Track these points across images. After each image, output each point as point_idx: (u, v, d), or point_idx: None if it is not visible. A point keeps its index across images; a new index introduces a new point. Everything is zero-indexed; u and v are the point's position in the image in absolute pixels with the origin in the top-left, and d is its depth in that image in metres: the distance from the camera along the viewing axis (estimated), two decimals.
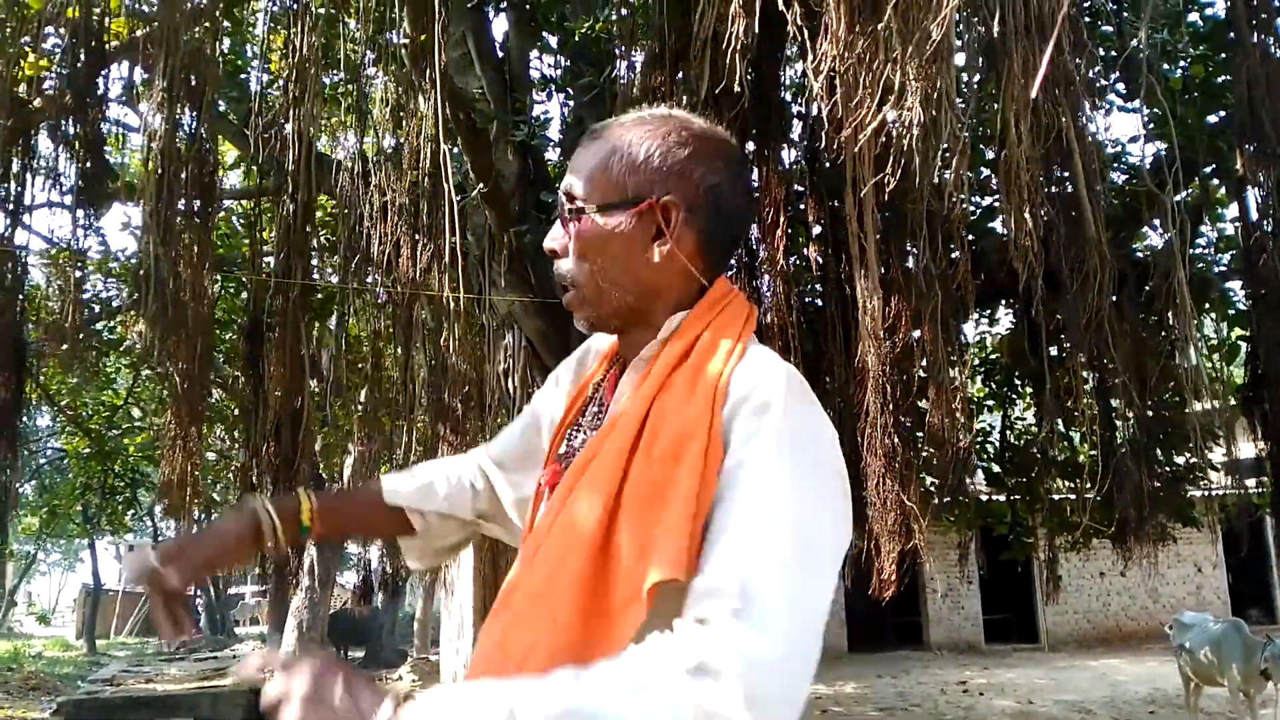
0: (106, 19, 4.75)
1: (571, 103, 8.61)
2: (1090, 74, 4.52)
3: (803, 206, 6.62)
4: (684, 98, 5.64)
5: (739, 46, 4.03)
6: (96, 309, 10.47)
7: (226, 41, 7.73)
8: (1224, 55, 7.00)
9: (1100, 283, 3.67)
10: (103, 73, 4.83)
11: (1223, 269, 8.01)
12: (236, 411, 11.39)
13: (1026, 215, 2.98)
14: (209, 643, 21.95)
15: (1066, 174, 4.40)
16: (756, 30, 4.04)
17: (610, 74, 8.08)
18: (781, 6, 1.63)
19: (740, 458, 1.00)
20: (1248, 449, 7.98)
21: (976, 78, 4.38)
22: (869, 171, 2.25)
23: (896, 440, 4.75)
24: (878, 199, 3.42)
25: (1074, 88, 3.07)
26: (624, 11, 7.80)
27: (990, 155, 7.02)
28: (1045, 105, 2.72)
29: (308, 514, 1.34)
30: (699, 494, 0.98)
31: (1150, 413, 6.93)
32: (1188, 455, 8.30)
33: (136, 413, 15.28)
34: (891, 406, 4.73)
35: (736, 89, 4.96)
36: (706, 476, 0.99)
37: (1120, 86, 6.89)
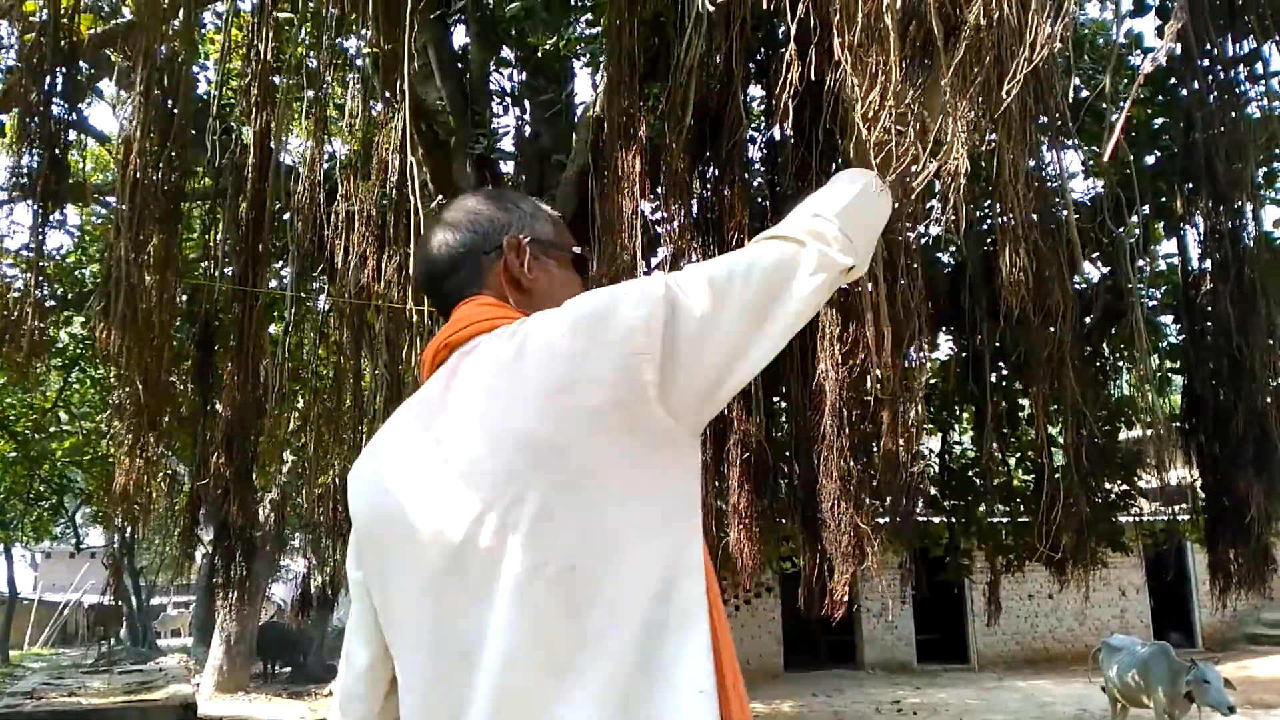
0: (73, 15, 4.66)
1: (528, 117, 8.64)
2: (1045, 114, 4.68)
3: (762, 228, 6.72)
4: (649, 120, 5.71)
5: (710, 72, 4.13)
6: (30, 309, 10.17)
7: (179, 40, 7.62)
8: (1161, 99, 7.29)
9: (1064, 315, 3.81)
10: (62, 70, 4.72)
11: (1154, 303, 8.32)
12: (173, 419, 11.13)
13: (1020, 254, 3.09)
14: (131, 655, 21.32)
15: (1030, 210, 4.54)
16: (729, 56, 4.14)
17: (569, 91, 8.14)
18: (838, 53, 1.69)
19: None
20: (1174, 476, 8.28)
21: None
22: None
23: (851, 463, 4.84)
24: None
25: (1059, 132, 3.20)
26: (585, 30, 7.88)
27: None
28: (1026, 145, 2.83)
29: None
30: None
31: (1083, 440, 7.16)
32: (1119, 482, 8.59)
33: (65, 417, 14.84)
34: (847, 430, 4.82)
35: (702, 112, 5.05)
36: None
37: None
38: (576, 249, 1.46)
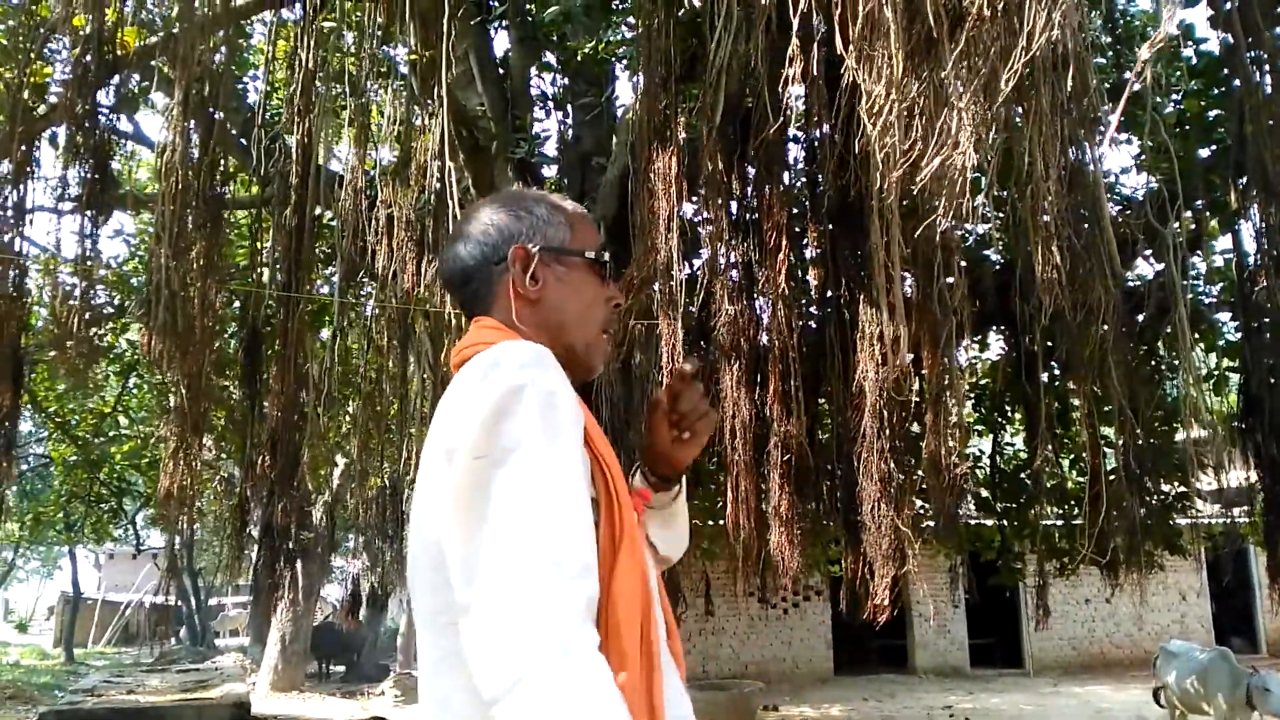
0: (118, 28, 4.77)
1: (570, 121, 8.67)
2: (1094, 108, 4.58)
3: (800, 229, 6.67)
4: (685, 120, 5.70)
5: (748, 72, 4.10)
6: (88, 316, 10.42)
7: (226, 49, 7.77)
8: (1217, 91, 7.10)
9: (1105, 314, 3.72)
10: (110, 81, 4.84)
11: (1213, 300, 8.10)
12: (226, 423, 11.34)
13: (1053, 250, 3.02)
14: (189, 654, 21.75)
15: (1065, 206, 4.44)
16: (767, 56, 4.09)
17: (610, 95, 8.15)
18: (840, 50, 1.67)
19: None
20: (1234, 478, 8.06)
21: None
22: (891, 203, 2.28)
23: (892, 465, 4.78)
24: (898, 231, 3.48)
25: (1090, 123, 3.12)
26: (626, 32, 7.89)
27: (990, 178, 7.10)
28: (1058, 140, 2.76)
29: None
30: None
31: (1140, 441, 7.00)
32: (1176, 484, 8.38)
33: (124, 421, 15.18)
34: (888, 431, 4.76)
35: (740, 114, 5.03)
36: None
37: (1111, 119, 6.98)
38: (591, 253, 1.41)
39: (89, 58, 4.63)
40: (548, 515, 1.07)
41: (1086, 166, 3.61)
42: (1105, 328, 4.02)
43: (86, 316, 9.18)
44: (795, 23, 2.68)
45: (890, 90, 1.44)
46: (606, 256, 1.42)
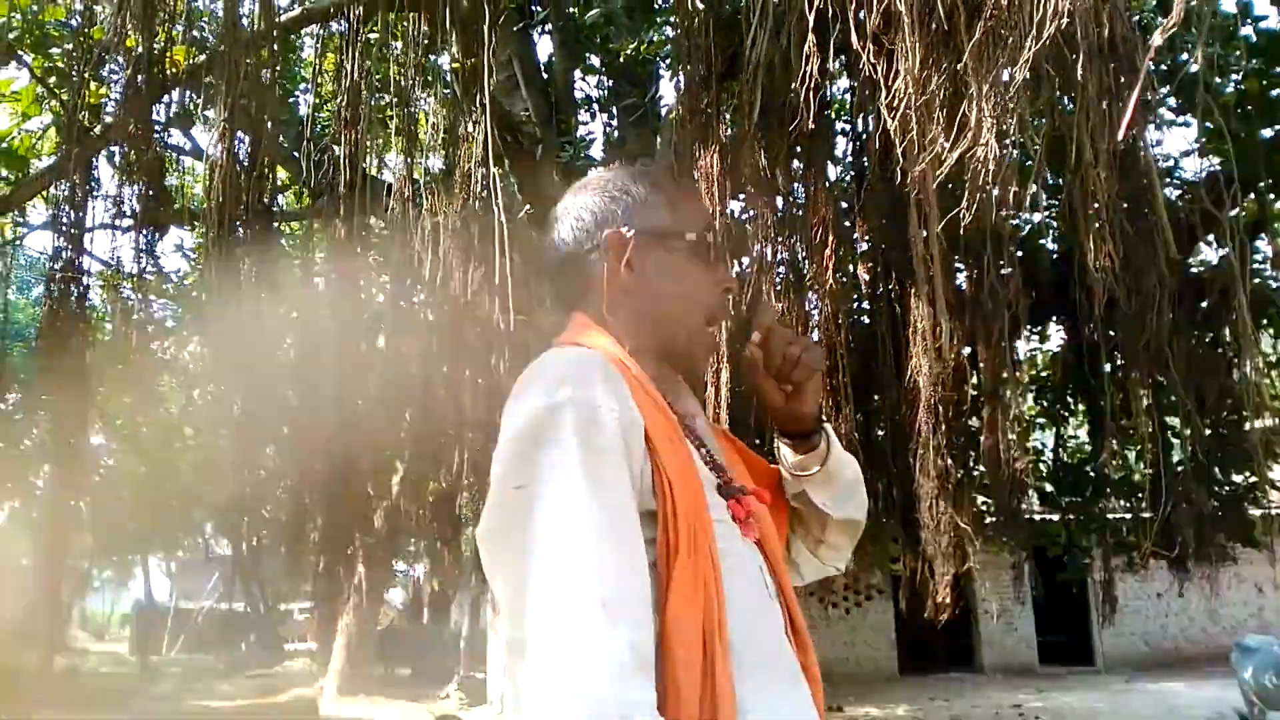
0: (167, 48, 4.88)
1: (615, 123, 8.68)
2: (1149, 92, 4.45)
3: (848, 224, 6.60)
4: (728, 117, 5.66)
5: (792, 68, 4.04)
6: (150, 329, 10.69)
7: (277, 66, 7.91)
8: (1278, 69, 6.87)
9: (1161, 301, 3.60)
10: (162, 99, 4.95)
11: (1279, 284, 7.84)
12: (287, 431, 11.52)
13: (1105, 238, 2.92)
14: (258, 659, 22.18)
15: (1120, 192, 4.32)
16: (809, 55, 4.04)
17: (654, 95, 8.14)
18: (855, 44, 1.63)
19: None
20: None
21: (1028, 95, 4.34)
22: (930, 195, 2.22)
23: (949, 461, 4.69)
24: (937, 222, 3.40)
25: (1144, 108, 3.03)
26: (669, 33, 7.87)
27: (1035, 166, 6.95)
28: (1110, 126, 2.67)
29: None
30: None
31: (1208, 431, 6.79)
32: (1247, 474, 8.12)
33: (189, 431, 15.54)
34: (944, 427, 4.67)
35: (785, 111, 4.97)
36: None
37: (1170, 101, 6.78)
38: (694, 234, 1.29)
39: (140, 77, 4.73)
40: (592, 551, 0.98)
41: (1139, 150, 3.50)
42: (1164, 315, 3.90)
43: (149, 330, 9.42)
44: (829, 14, 2.63)
45: (909, 83, 1.40)
46: (711, 237, 1.31)
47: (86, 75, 5.30)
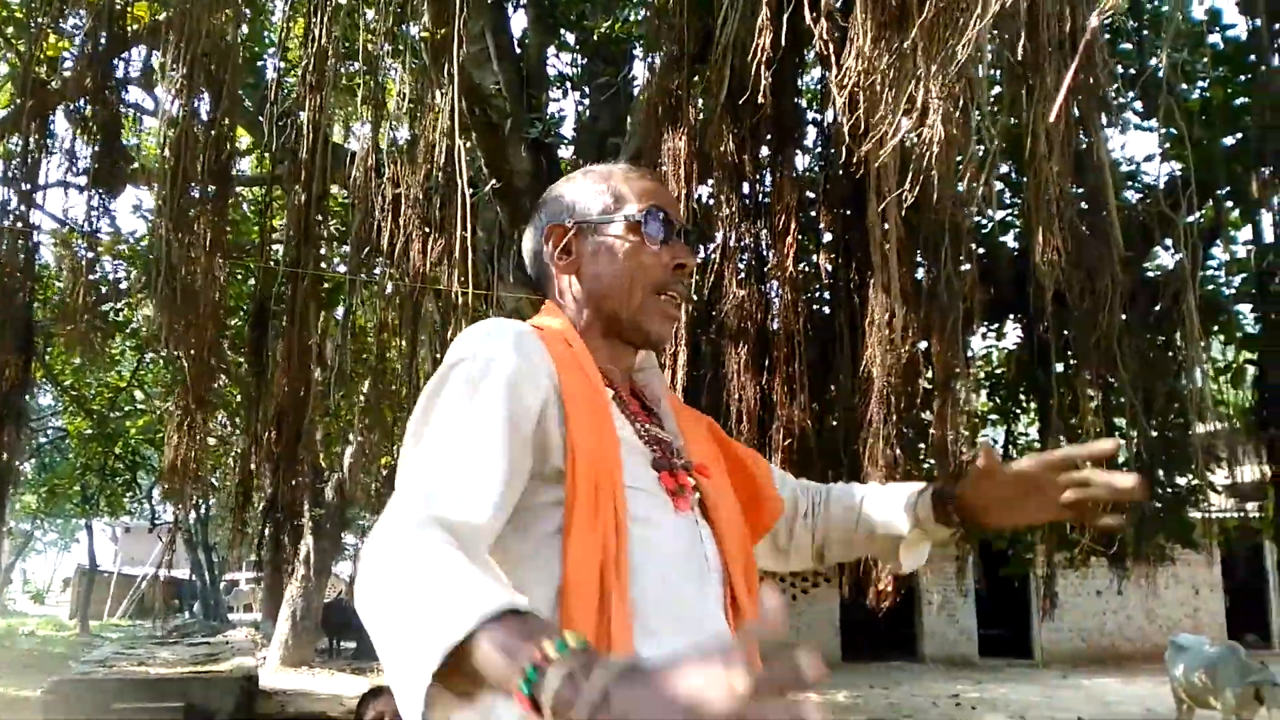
0: (128, 3, 4.76)
1: (587, 101, 8.62)
2: (1110, 92, 4.51)
3: (814, 213, 6.63)
4: (699, 101, 5.65)
5: (760, 54, 4.04)
6: (104, 290, 10.48)
7: (244, 28, 7.75)
8: (1244, 78, 6.99)
9: (1112, 301, 3.66)
10: (122, 56, 4.83)
11: (1233, 291, 8.00)
12: (239, 398, 11.40)
13: (1054, 232, 2.96)
14: (202, 628, 21.97)
15: (1080, 190, 4.39)
16: (780, 39, 4.04)
17: (627, 74, 8.10)
18: (809, 21, 1.63)
19: None
20: (1249, 472, 7.97)
21: (995, 91, 4.38)
22: (891, 184, 2.23)
23: (898, 451, 4.74)
24: (896, 210, 3.42)
25: (1097, 105, 3.06)
26: (643, 12, 7.83)
27: (1005, 169, 7.02)
28: (1067, 122, 2.71)
29: None
30: None
31: (1154, 433, 6.92)
32: (1190, 477, 8.29)
33: (140, 395, 15.28)
34: (895, 417, 4.72)
35: (753, 95, 4.97)
36: None
37: (1138, 105, 6.88)
38: (628, 215, 1.35)
39: (102, 32, 4.61)
40: (442, 462, 1.06)
41: (1095, 150, 3.55)
42: (1116, 315, 3.97)
43: (103, 291, 9.23)
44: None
45: (860, 61, 1.41)
46: (645, 216, 1.35)
47: (45, 27, 5.16)
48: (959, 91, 1.73)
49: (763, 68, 3.16)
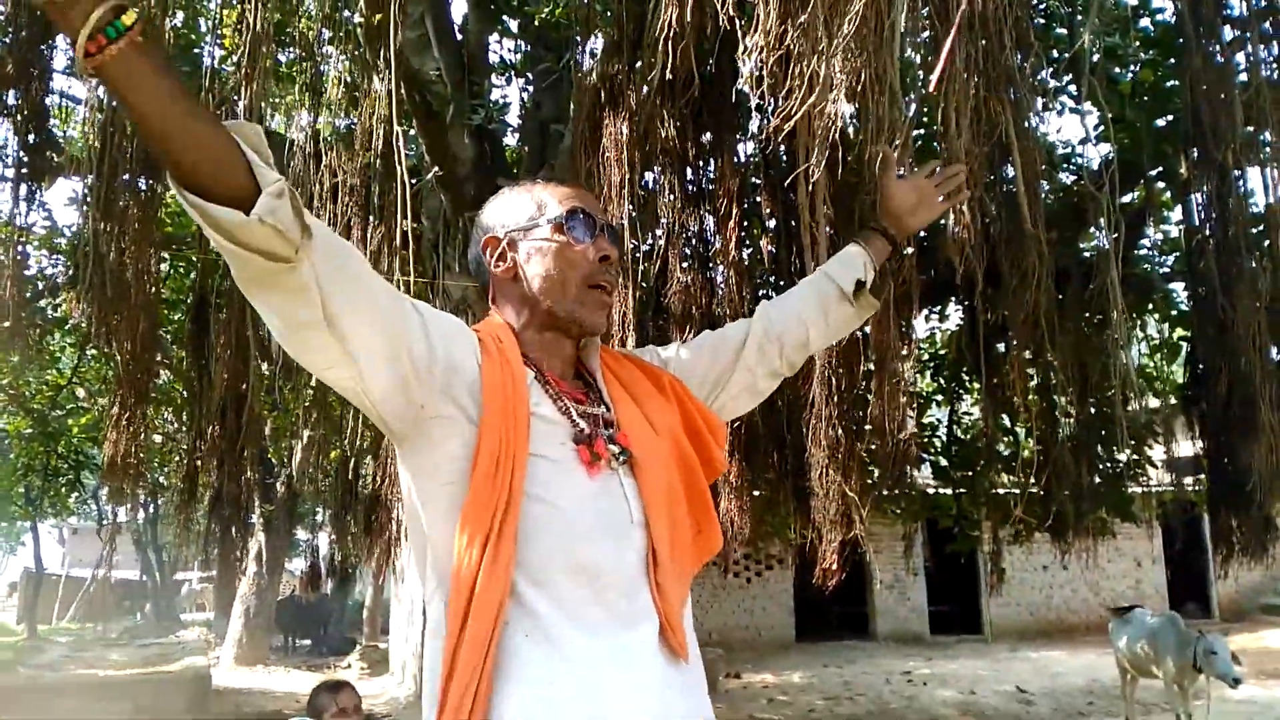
0: None
1: (530, 88, 8.58)
2: (1039, 74, 4.59)
3: (758, 198, 6.66)
4: (641, 88, 5.65)
5: (693, 38, 4.06)
6: (40, 286, 10.24)
7: (179, 15, 7.60)
8: (1173, 60, 7.14)
9: (1039, 279, 3.75)
10: (48, 42, 4.72)
11: (1166, 270, 8.19)
12: (185, 394, 11.20)
13: (964, 209, 3.04)
14: (154, 629, 21.64)
15: (1011, 172, 4.47)
16: (717, 23, 4.06)
17: (569, 60, 8.07)
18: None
19: None
20: (1187, 448, 8.18)
21: (914, 69, 4.43)
22: (816, 163, 2.27)
23: (840, 431, 4.80)
24: (828, 191, 3.46)
25: (1016, 85, 3.13)
26: None
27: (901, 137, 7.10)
28: (990, 103, 2.77)
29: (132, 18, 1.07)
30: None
31: (1092, 410, 7.07)
32: (1128, 452, 8.50)
33: (81, 393, 14.98)
34: (836, 399, 4.78)
35: (691, 80, 4.98)
36: None
37: (1073, 88, 7.01)
38: (550, 218, 1.49)
39: (23, 16, 4.50)
40: None
41: (1027, 129, 3.62)
42: (1043, 294, 4.06)
43: (39, 287, 9.02)
44: None
45: (764, 36, 1.44)
46: (565, 215, 1.49)
47: None
48: (860, 65, 1.77)
49: (691, 51, 3.18)
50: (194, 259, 7.74)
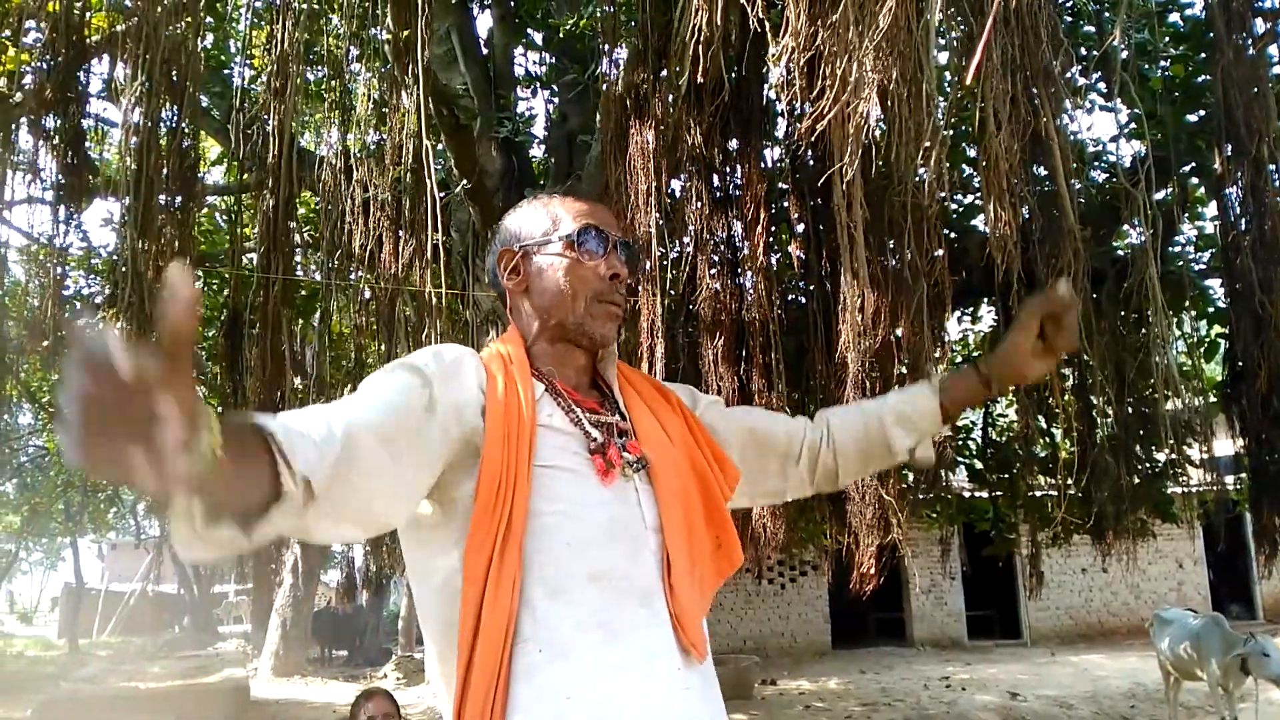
0: (88, 13, 4.73)
1: (556, 99, 8.62)
2: (1071, 71, 4.55)
3: (785, 204, 6.65)
4: (668, 95, 5.66)
5: (720, 44, 4.06)
6: (78, 305, 10.40)
7: (209, 37, 7.71)
8: (1203, 55, 7.06)
9: (1075, 277, 3.70)
10: (84, 67, 4.80)
11: (1202, 267, 8.08)
12: (219, 408, 11.31)
13: (1005, 208, 3.01)
14: (192, 641, 21.84)
15: (1045, 171, 4.43)
16: (744, 28, 4.06)
17: (594, 71, 8.10)
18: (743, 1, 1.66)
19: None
20: (1227, 446, 8.05)
21: (944, 71, 4.41)
22: (850, 166, 2.26)
23: None
24: (862, 195, 3.45)
25: (1051, 82, 3.10)
26: (608, 8, 7.83)
27: (973, 153, 7.06)
28: (1024, 101, 2.74)
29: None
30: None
31: (1130, 409, 6.99)
32: (1167, 451, 8.38)
33: None
34: None
35: (718, 86, 4.99)
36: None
37: (1102, 86, 6.94)
38: (563, 234, 1.50)
39: (59, 42, 4.58)
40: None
41: (1061, 126, 3.58)
42: (1080, 293, 4.01)
43: (68, 305, 9.16)
44: None
45: (794, 39, 1.44)
46: (577, 232, 1.49)
47: (4, 39, 5.12)
48: (891, 65, 1.76)
49: (719, 57, 3.18)
50: (227, 276, 7.82)
